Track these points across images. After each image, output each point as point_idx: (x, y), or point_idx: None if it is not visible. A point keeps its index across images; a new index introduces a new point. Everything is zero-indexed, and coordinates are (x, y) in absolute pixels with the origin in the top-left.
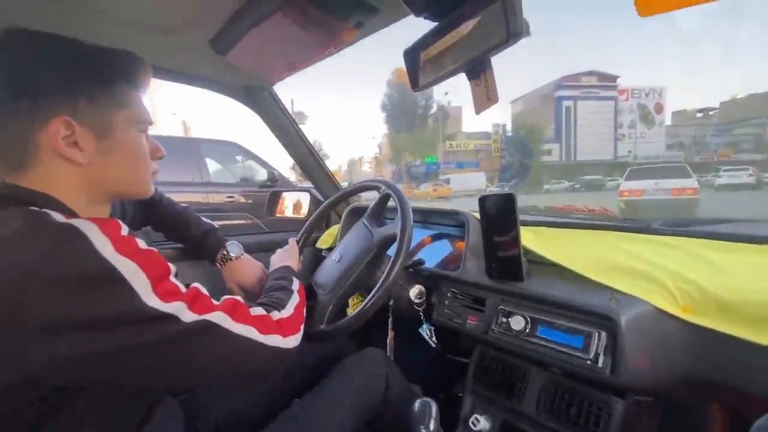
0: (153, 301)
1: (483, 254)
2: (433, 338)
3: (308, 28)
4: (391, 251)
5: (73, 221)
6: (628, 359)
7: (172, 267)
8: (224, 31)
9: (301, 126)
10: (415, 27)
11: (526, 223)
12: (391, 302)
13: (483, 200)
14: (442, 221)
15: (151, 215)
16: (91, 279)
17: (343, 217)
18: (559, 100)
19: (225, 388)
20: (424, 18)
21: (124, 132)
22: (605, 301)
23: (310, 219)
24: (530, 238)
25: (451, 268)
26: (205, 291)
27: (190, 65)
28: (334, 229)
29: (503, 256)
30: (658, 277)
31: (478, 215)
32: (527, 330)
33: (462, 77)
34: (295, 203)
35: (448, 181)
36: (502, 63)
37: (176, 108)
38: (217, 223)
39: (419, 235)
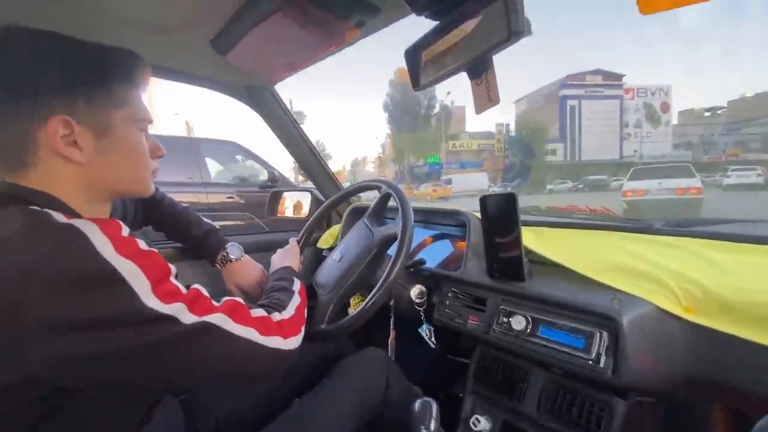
0: (153, 302)
1: (484, 254)
2: (433, 339)
3: (309, 28)
4: (392, 251)
5: (74, 221)
6: (630, 360)
7: (173, 268)
8: (225, 31)
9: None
10: (416, 26)
11: (527, 223)
12: (391, 302)
13: (484, 200)
14: (443, 221)
15: (152, 215)
16: (91, 279)
17: (344, 216)
18: (564, 99)
19: (225, 388)
20: (425, 17)
21: (124, 131)
22: (607, 301)
23: (311, 219)
24: (532, 238)
25: (452, 268)
26: (205, 292)
27: (192, 65)
28: (335, 229)
29: (504, 256)
30: (661, 277)
31: (479, 215)
32: (528, 330)
33: (465, 77)
34: (295, 203)
35: (449, 182)
36: (505, 62)
37: (178, 108)
38: (218, 224)
39: (420, 235)
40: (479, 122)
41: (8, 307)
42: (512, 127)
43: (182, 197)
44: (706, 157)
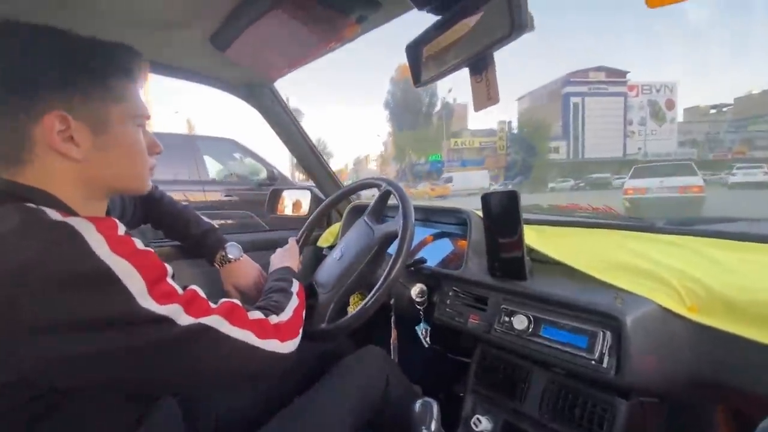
0: (148, 303)
1: (485, 253)
2: (428, 338)
3: (309, 24)
4: (393, 249)
5: (69, 219)
6: (633, 359)
7: (169, 268)
8: (224, 27)
9: None
10: (417, 22)
11: (529, 222)
12: (392, 301)
13: (486, 198)
14: (444, 219)
15: (151, 212)
16: (86, 279)
17: (344, 215)
18: (567, 96)
19: (223, 388)
20: (427, 12)
21: (121, 127)
22: (610, 300)
23: (311, 217)
24: (533, 237)
25: (452, 267)
26: (202, 293)
27: (191, 62)
28: (335, 228)
29: (506, 254)
30: (663, 275)
31: (480, 213)
32: (530, 329)
33: (467, 73)
34: (295, 202)
35: (450, 180)
36: (509, 59)
37: (179, 106)
38: (217, 222)
39: (421, 233)
40: (481, 120)
41: (2, 304)
42: (515, 124)
43: (179, 195)
44: (712, 155)
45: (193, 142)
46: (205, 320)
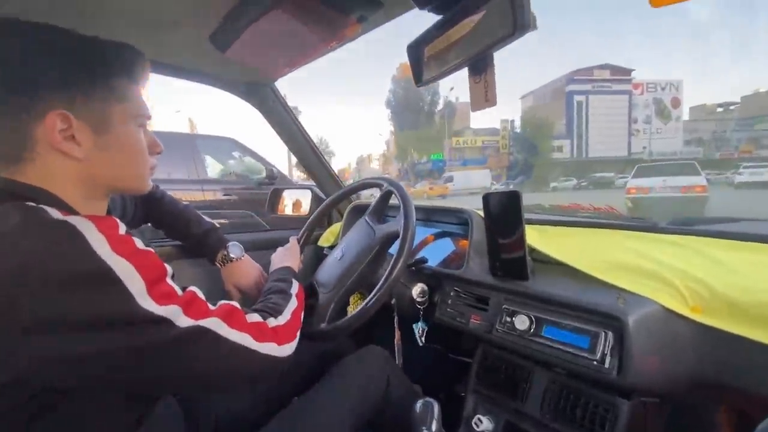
0: (147, 303)
1: (487, 252)
2: (423, 338)
3: (309, 23)
4: (394, 249)
5: (70, 218)
6: (635, 360)
7: (169, 268)
8: (224, 27)
9: None
10: (418, 21)
11: (531, 222)
12: (393, 301)
13: (487, 197)
14: (445, 219)
15: (152, 212)
16: (86, 278)
17: (345, 214)
18: (570, 94)
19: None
20: (428, 11)
21: (122, 126)
22: (612, 300)
23: (312, 217)
24: (535, 237)
25: (454, 267)
26: (201, 295)
27: (191, 61)
28: (336, 227)
29: (507, 254)
30: (666, 275)
31: (481, 213)
32: (532, 330)
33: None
34: (296, 201)
35: (450, 179)
36: (512, 58)
37: (180, 106)
38: (217, 221)
39: (422, 233)
40: (484, 118)
41: (2, 304)
42: (518, 123)
43: (178, 194)
44: (719, 154)
45: (193, 141)
46: (204, 322)
